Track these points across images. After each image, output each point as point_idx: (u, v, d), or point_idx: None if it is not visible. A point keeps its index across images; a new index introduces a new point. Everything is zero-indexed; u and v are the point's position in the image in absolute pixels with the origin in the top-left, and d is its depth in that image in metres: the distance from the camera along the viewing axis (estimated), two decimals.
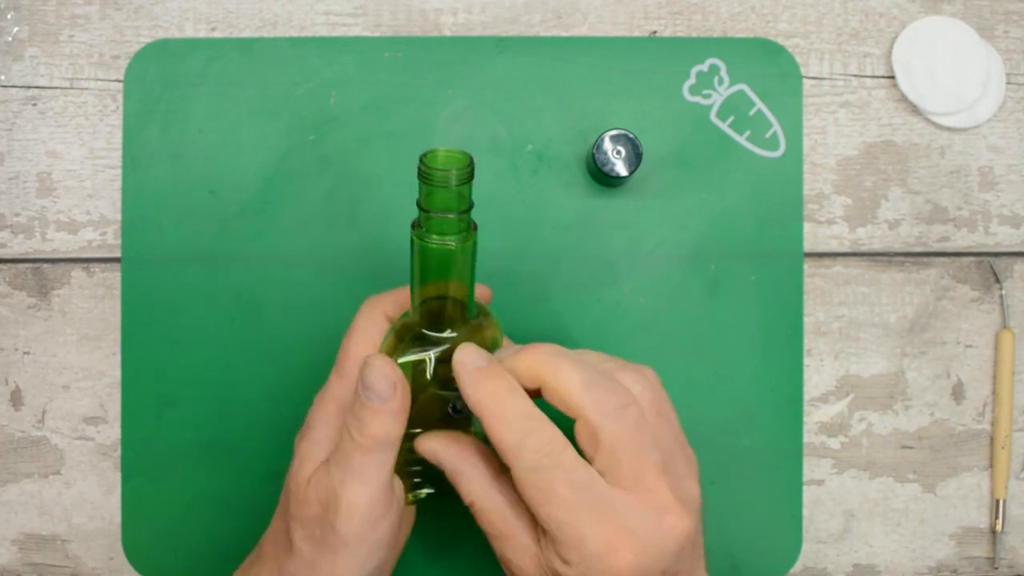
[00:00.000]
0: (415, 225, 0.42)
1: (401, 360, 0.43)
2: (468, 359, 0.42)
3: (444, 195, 0.40)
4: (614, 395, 0.41)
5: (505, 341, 0.47)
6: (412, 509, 0.49)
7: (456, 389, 0.42)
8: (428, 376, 0.43)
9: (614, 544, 0.39)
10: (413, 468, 0.45)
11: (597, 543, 0.39)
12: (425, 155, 0.40)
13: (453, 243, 0.41)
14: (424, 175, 0.40)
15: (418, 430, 0.44)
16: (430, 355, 0.43)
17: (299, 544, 0.43)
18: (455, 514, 0.54)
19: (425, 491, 0.46)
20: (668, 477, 0.40)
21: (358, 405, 0.41)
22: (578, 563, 0.39)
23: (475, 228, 0.42)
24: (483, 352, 0.42)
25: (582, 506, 0.39)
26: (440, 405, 0.44)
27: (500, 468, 0.43)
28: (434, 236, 0.41)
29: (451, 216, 0.41)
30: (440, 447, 0.43)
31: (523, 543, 0.41)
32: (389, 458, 0.42)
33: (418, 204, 0.41)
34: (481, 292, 0.48)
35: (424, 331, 0.43)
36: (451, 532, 0.54)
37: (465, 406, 0.42)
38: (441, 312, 0.43)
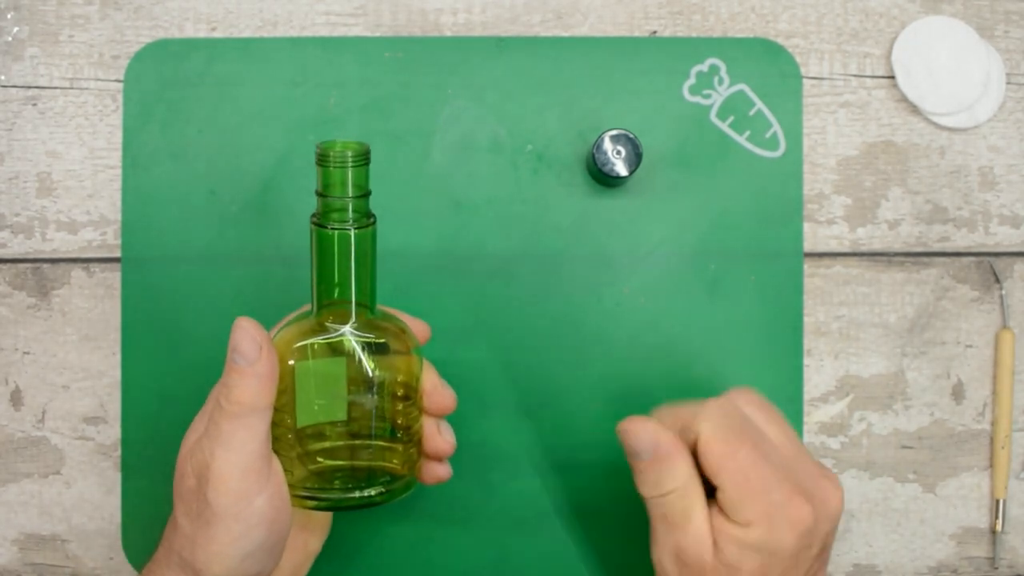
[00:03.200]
0: (314, 216, 0.43)
1: (297, 344, 0.43)
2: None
3: (341, 177, 0.42)
4: (735, 391, 0.46)
5: (425, 365, 0.46)
6: (325, 518, 0.49)
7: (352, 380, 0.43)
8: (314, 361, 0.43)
9: (795, 494, 0.42)
10: (312, 473, 0.44)
11: (781, 492, 0.42)
12: (322, 144, 0.43)
13: (351, 229, 0.42)
14: (321, 157, 0.42)
15: (325, 442, 0.44)
16: (319, 340, 0.43)
17: (180, 519, 0.43)
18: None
19: (318, 502, 0.44)
20: (807, 454, 0.45)
21: (226, 369, 0.42)
22: (761, 520, 0.41)
23: (374, 220, 0.43)
24: None
25: (765, 460, 0.42)
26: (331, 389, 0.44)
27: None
28: (332, 223, 0.42)
29: (348, 200, 0.42)
30: (659, 431, 0.43)
31: (700, 530, 0.42)
32: (259, 426, 0.42)
33: (316, 192, 0.43)
34: (419, 328, 0.48)
35: (324, 324, 0.43)
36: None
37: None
38: (342, 309, 0.43)
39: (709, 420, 0.43)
